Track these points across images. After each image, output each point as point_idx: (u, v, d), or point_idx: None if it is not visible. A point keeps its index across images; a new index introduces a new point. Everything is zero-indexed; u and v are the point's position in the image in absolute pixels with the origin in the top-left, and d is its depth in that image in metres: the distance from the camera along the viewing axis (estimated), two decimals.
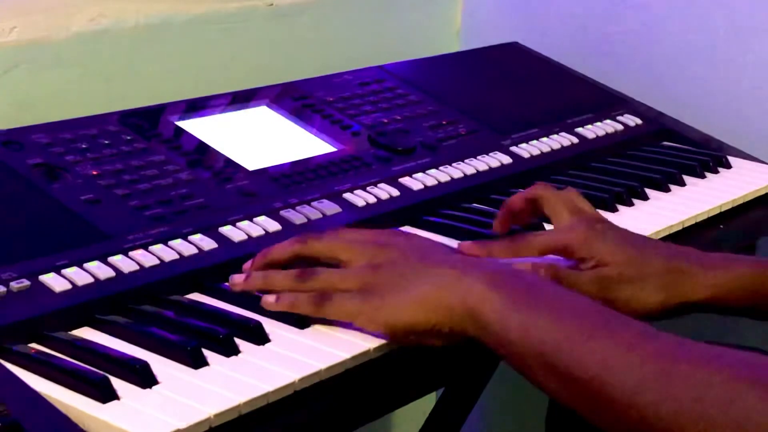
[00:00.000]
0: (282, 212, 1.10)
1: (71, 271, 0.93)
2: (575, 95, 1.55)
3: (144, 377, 0.82)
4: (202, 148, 1.18)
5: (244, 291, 0.96)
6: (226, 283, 0.98)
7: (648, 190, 1.30)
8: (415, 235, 0.99)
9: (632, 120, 1.51)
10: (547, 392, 0.85)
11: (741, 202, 1.33)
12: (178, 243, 1.01)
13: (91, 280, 0.93)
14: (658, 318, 1.03)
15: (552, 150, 1.38)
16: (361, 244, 0.95)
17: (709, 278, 1.03)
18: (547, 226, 1.11)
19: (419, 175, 1.23)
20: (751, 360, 0.77)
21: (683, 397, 0.76)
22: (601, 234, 1.04)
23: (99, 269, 0.94)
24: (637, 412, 0.77)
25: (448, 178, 1.25)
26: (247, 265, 0.98)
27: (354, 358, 0.89)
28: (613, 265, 1.02)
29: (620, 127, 1.49)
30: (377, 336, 0.91)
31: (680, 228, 1.23)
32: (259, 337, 0.90)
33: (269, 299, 0.93)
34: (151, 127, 1.18)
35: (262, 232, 1.05)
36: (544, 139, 1.40)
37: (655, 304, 1.02)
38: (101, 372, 0.82)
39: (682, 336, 0.81)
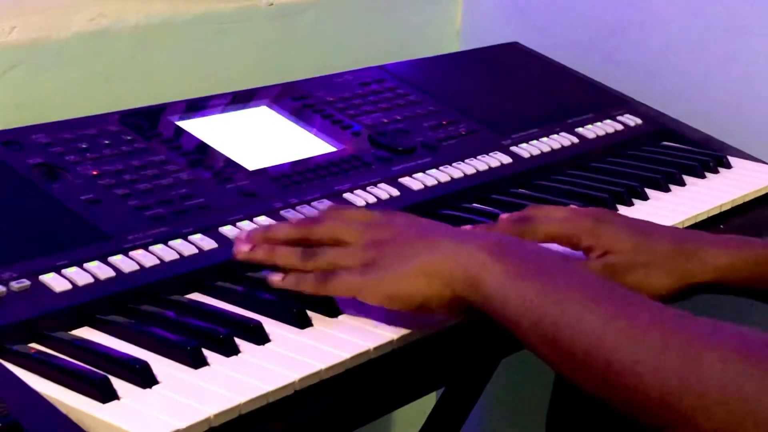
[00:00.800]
0: (282, 212, 1.10)
1: (71, 271, 0.93)
2: (575, 95, 1.55)
3: (144, 377, 0.82)
4: (202, 148, 1.18)
5: (246, 260, 0.97)
6: (227, 283, 0.98)
7: (648, 190, 1.30)
8: (415, 216, 1.01)
9: (632, 120, 1.51)
10: (547, 363, 0.85)
11: (741, 202, 1.33)
12: (178, 243, 1.01)
13: (91, 280, 0.93)
14: (667, 301, 1.03)
15: (552, 150, 1.38)
16: (363, 224, 0.97)
17: (717, 259, 1.03)
18: None
19: (419, 175, 1.23)
20: (745, 335, 0.77)
21: (675, 369, 0.76)
22: (607, 222, 1.05)
23: (99, 269, 0.94)
24: (632, 382, 0.78)
25: (448, 178, 1.25)
26: (242, 235, 0.99)
27: (354, 358, 0.89)
28: (621, 252, 1.02)
29: (620, 127, 1.49)
30: (389, 322, 0.92)
31: None
32: (259, 337, 0.90)
33: (275, 278, 0.95)
34: (151, 127, 1.18)
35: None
36: (544, 139, 1.40)
37: (664, 288, 1.02)
38: (101, 372, 0.82)
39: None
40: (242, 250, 0.97)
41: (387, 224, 0.96)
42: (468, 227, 1.05)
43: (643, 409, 0.78)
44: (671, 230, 1.09)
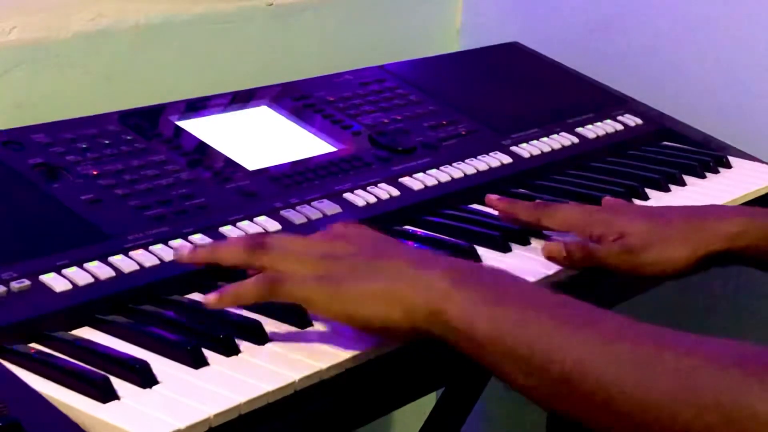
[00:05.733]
0: (282, 212, 1.10)
1: (71, 271, 0.93)
2: (575, 95, 1.55)
3: (144, 377, 0.82)
4: (202, 148, 1.18)
5: (188, 262, 0.93)
6: (227, 283, 0.98)
7: (648, 190, 1.30)
8: (369, 229, 0.96)
9: (632, 120, 1.51)
10: (522, 391, 0.82)
11: (741, 202, 1.32)
12: (178, 243, 1.00)
13: (91, 280, 0.93)
14: (684, 275, 1.06)
15: (552, 150, 1.38)
16: (314, 244, 0.92)
17: (730, 227, 1.06)
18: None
19: (419, 175, 1.23)
20: (736, 346, 0.76)
21: (671, 386, 0.74)
22: (619, 210, 1.10)
23: (99, 269, 0.94)
24: (620, 403, 0.75)
25: (448, 178, 1.25)
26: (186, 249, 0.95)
27: (354, 358, 0.89)
28: (635, 233, 1.05)
29: (620, 127, 1.49)
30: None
31: None
32: (259, 337, 0.90)
33: (210, 297, 0.88)
34: (151, 127, 1.18)
35: (262, 232, 1.05)
36: (544, 139, 1.40)
37: (680, 261, 1.04)
38: (101, 372, 0.82)
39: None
40: (184, 252, 0.93)
41: (340, 239, 0.92)
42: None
43: (635, 428, 0.75)
44: (682, 207, 1.12)
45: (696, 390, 0.73)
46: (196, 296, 0.97)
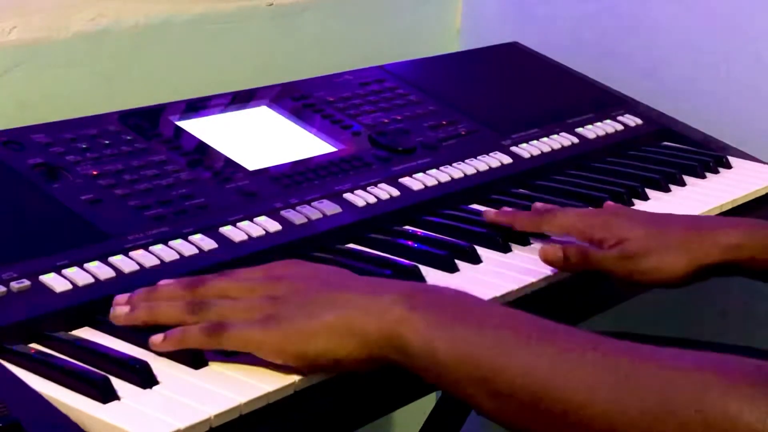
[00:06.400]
0: (282, 212, 1.09)
1: (71, 271, 0.93)
2: (575, 95, 1.55)
3: (144, 377, 0.82)
4: (202, 148, 1.18)
5: (126, 324, 0.88)
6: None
7: (648, 190, 1.30)
8: (311, 264, 0.93)
9: (632, 120, 1.51)
10: (489, 414, 0.78)
11: (741, 202, 1.33)
12: (178, 243, 1.01)
13: (91, 280, 0.93)
14: (681, 284, 1.05)
15: (552, 150, 1.38)
16: (254, 281, 0.88)
17: (728, 238, 1.05)
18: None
19: (419, 175, 1.23)
20: (714, 358, 0.73)
21: (650, 399, 0.71)
22: (619, 215, 1.09)
23: (99, 269, 0.94)
24: (595, 424, 0.72)
25: (448, 178, 1.25)
26: (121, 299, 0.90)
27: None
28: (634, 239, 1.05)
29: (620, 127, 1.49)
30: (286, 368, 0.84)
31: None
32: None
33: (156, 340, 0.85)
34: (151, 127, 1.18)
35: (262, 232, 1.05)
36: (544, 139, 1.40)
37: (678, 270, 1.04)
38: (101, 372, 0.82)
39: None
40: (120, 313, 0.88)
41: (282, 278, 0.87)
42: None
43: None
44: (682, 216, 1.12)
45: (676, 405, 0.70)
46: None
